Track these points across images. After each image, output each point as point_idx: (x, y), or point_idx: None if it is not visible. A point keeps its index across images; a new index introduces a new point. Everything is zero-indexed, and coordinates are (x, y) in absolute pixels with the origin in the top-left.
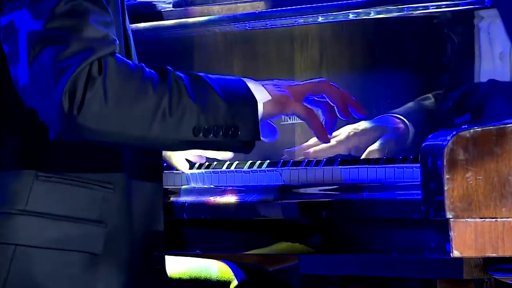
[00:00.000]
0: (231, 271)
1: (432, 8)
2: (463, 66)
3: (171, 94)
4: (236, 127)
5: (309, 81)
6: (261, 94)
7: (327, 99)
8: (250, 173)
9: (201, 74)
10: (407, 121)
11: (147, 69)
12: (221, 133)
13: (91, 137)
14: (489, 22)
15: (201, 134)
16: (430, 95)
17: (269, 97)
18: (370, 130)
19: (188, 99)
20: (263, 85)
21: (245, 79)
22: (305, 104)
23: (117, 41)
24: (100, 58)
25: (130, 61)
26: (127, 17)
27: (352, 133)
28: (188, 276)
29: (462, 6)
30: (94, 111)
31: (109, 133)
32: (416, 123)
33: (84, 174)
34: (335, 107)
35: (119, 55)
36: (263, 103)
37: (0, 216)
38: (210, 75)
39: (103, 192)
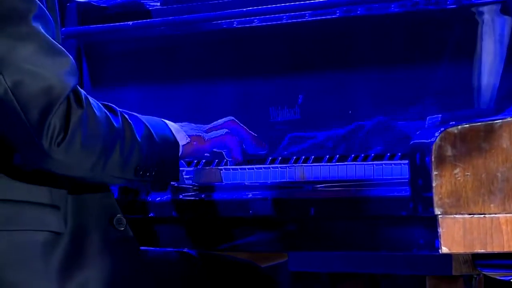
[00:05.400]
0: None
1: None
2: (456, 64)
3: (124, 135)
4: (163, 168)
5: (216, 122)
6: (180, 136)
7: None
8: (239, 170)
9: (136, 114)
10: None
11: (103, 108)
12: (153, 173)
13: (57, 170)
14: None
15: (140, 173)
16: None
17: (188, 139)
18: None
19: (135, 139)
20: (180, 127)
21: (166, 121)
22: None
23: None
24: (74, 89)
25: (92, 98)
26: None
27: None
28: None
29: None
30: (75, 146)
31: (81, 169)
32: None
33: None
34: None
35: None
36: (182, 146)
37: None
38: (140, 116)
39: (48, 181)
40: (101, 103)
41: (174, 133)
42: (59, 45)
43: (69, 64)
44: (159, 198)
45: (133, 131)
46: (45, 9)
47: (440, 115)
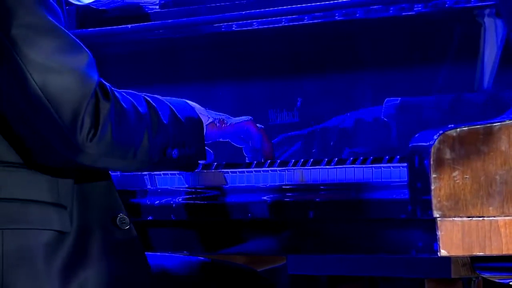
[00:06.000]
0: None
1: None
2: (457, 66)
3: (151, 119)
4: (190, 148)
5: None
6: (203, 116)
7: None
8: (237, 173)
9: (159, 97)
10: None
11: (126, 96)
12: (181, 153)
13: (91, 163)
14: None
15: (169, 155)
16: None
17: (212, 119)
18: None
19: (162, 122)
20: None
21: (188, 102)
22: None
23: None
24: (99, 83)
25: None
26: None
27: None
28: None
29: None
30: (106, 140)
31: (116, 159)
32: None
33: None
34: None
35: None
36: (206, 125)
37: None
38: (162, 97)
39: (55, 180)
40: (123, 92)
41: (198, 113)
42: (77, 40)
43: (89, 58)
44: (158, 202)
45: (158, 114)
46: (54, 2)
47: (399, 98)
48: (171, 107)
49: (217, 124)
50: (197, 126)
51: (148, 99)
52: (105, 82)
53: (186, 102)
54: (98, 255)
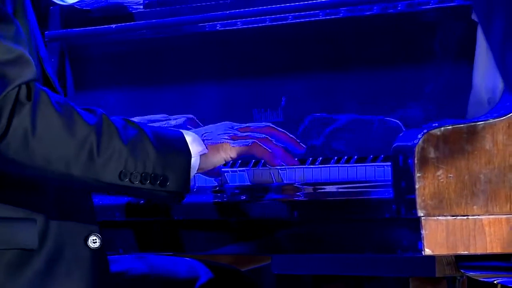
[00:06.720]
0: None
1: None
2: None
3: (100, 135)
4: (165, 177)
5: (253, 125)
6: (197, 147)
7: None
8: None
9: (137, 121)
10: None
11: (76, 107)
12: (148, 181)
13: (10, 169)
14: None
15: (127, 179)
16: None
17: (206, 150)
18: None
19: (118, 141)
20: (202, 136)
21: (185, 131)
22: (241, 145)
23: (32, 59)
24: (28, 83)
25: (57, 95)
26: (36, 24)
27: None
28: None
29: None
30: (18, 142)
31: (31, 167)
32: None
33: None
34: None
35: (45, 87)
36: (201, 155)
37: None
38: (147, 124)
39: (27, 193)
40: (83, 107)
41: (189, 143)
42: (7, 41)
43: (16, 56)
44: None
45: (114, 133)
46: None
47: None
48: (145, 132)
49: (211, 153)
50: (178, 156)
51: (108, 117)
52: (35, 85)
53: (178, 132)
54: (65, 273)
